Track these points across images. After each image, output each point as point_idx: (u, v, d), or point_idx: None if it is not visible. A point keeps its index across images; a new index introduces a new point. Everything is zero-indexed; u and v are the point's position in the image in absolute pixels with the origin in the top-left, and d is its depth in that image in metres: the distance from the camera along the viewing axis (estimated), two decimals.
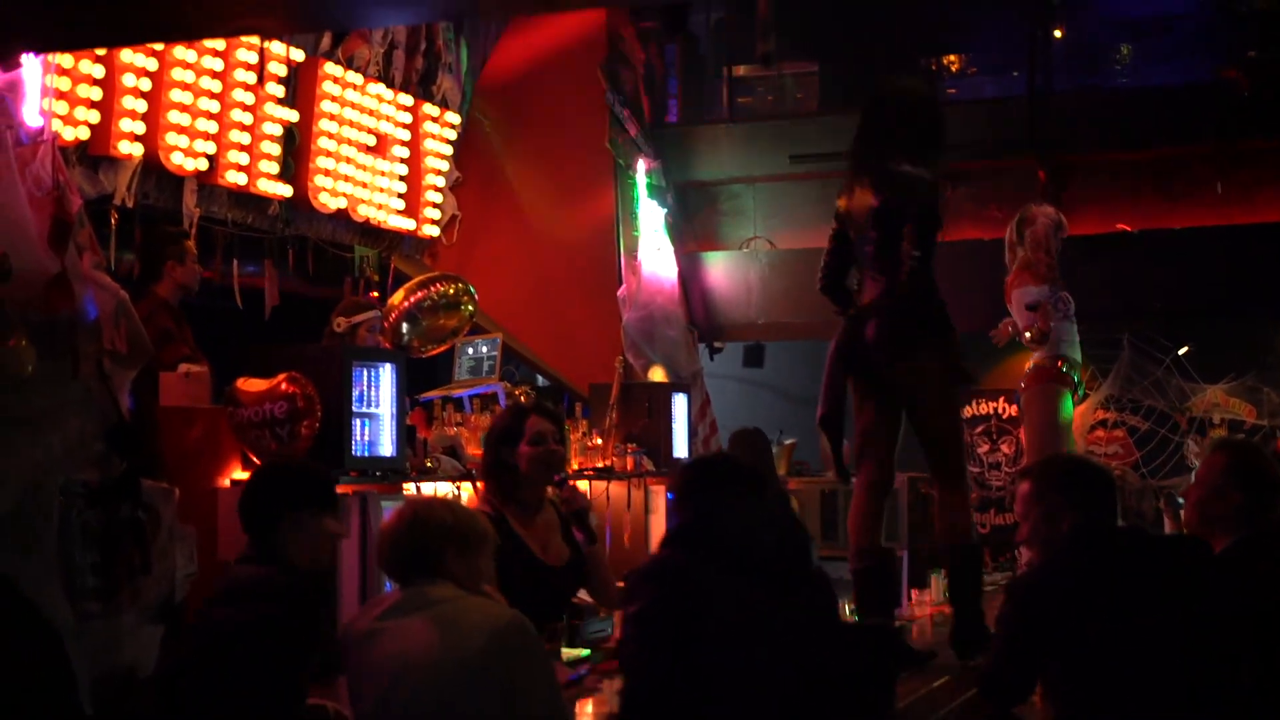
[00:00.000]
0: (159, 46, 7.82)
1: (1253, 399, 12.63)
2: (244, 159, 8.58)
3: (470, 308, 8.95)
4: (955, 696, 5.97)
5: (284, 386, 6.66)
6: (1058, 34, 14.80)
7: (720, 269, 13.36)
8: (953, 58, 16.52)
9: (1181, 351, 12.71)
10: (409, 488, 7.37)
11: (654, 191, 12.25)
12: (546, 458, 5.93)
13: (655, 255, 12.13)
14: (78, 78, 7.39)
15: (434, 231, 10.61)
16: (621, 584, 4.94)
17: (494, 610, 4.27)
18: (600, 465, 9.14)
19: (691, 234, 13.32)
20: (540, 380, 11.58)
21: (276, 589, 4.54)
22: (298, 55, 9.00)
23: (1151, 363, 12.65)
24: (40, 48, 5.86)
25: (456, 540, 4.39)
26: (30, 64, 5.93)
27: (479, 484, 7.62)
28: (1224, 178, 12.15)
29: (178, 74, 8.04)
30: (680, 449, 10.08)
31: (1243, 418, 12.62)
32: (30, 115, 5.93)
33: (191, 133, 8.16)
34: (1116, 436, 12.57)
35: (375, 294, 9.91)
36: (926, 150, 6.88)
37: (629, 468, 9.42)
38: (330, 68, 9.26)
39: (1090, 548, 4.54)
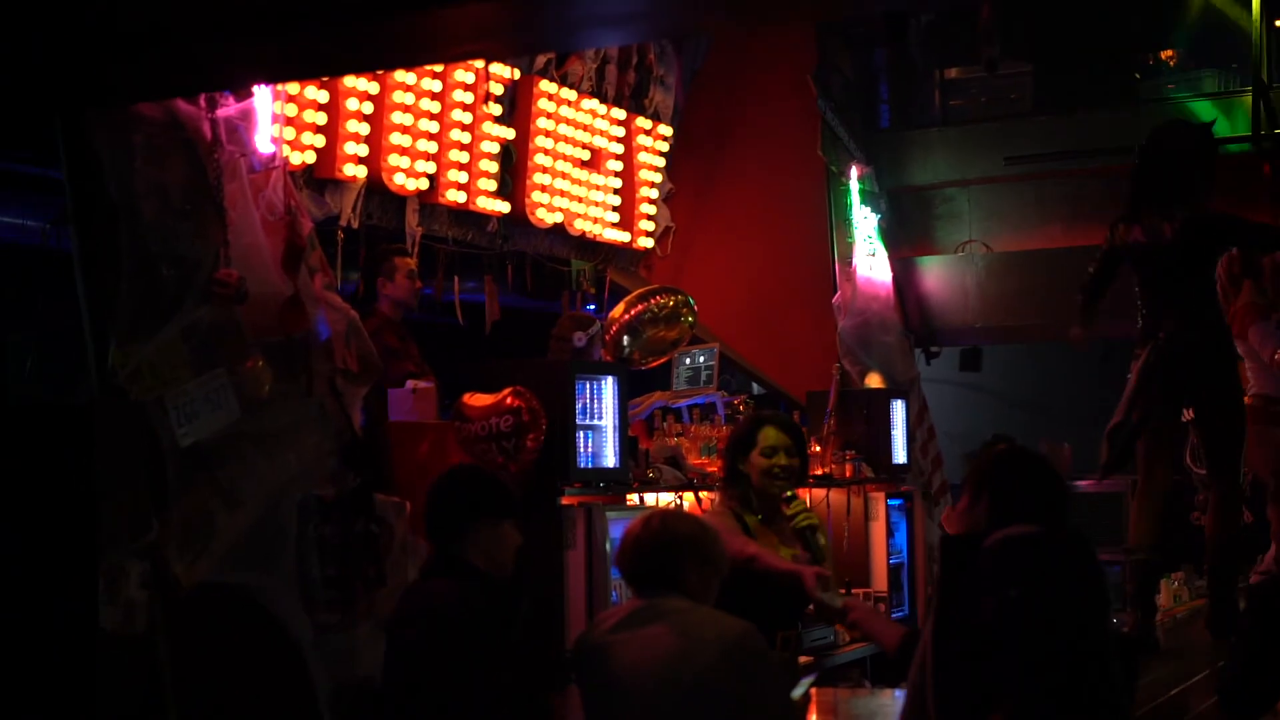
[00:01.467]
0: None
1: None
2: (463, 177, 8.73)
3: (690, 319, 9.01)
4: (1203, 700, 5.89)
5: (509, 401, 6.79)
6: (1279, 23, 14.39)
7: (935, 273, 13.23)
8: (1169, 53, 16.15)
9: None
10: (633, 498, 7.45)
11: (866, 197, 12.18)
12: (775, 470, 5.89)
13: (869, 261, 12.07)
14: (303, 104, 7.58)
15: (649, 243, 10.69)
16: None
17: (727, 621, 4.29)
18: (819, 473, 9.15)
19: (905, 239, 13.19)
20: (756, 389, 11.59)
21: (469, 603, 4.63)
22: (514, 74, 9.12)
23: None
24: (271, 78, 6.05)
25: (697, 554, 4.42)
26: (260, 93, 6.13)
27: (702, 492, 7.68)
28: None
29: (399, 96, 8.21)
30: (899, 455, 10.05)
31: None
32: (262, 142, 6.13)
33: (413, 153, 8.33)
34: None
35: (592, 306, 10.04)
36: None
37: (848, 474, 9.42)
38: (545, 85, 9.38)
39: None
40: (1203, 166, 7.37)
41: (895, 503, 10.02)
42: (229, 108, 5.95)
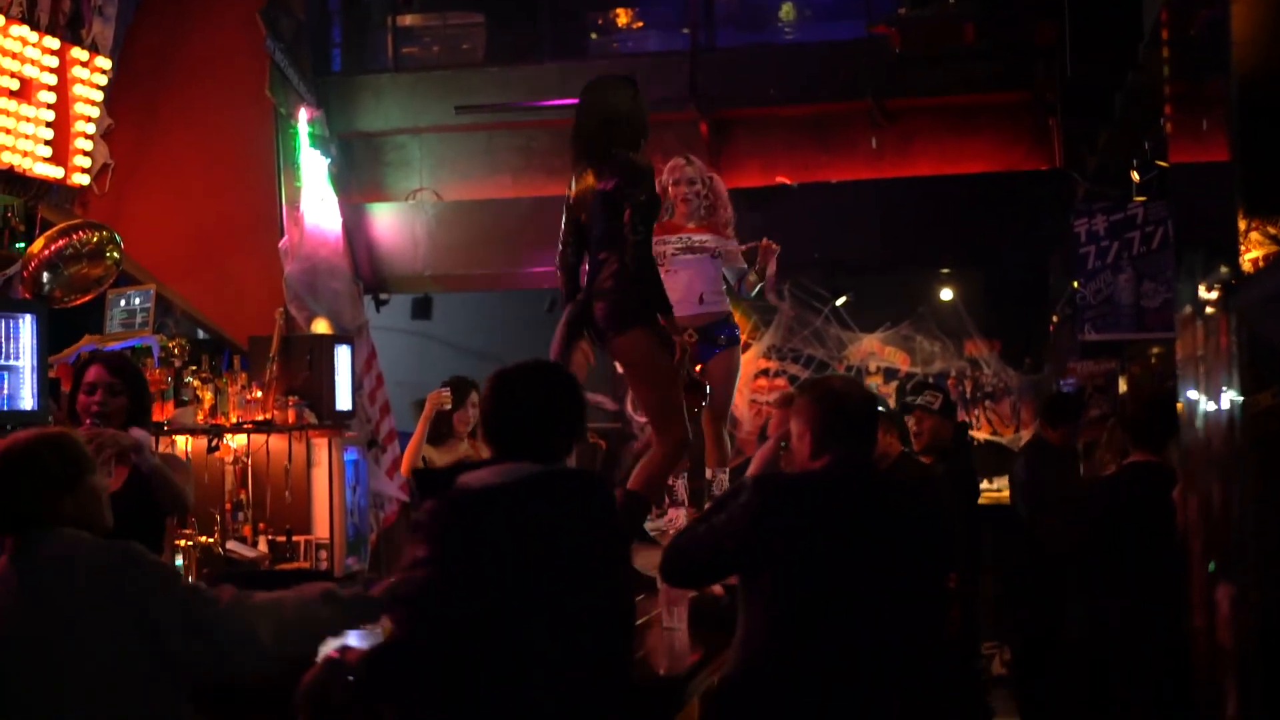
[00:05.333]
0: None
1: (906, 347, 13.09)
2: None
3: (115, 255, 8.69)
4: None
5: None
6: None
7: (386, 221, 13.21)
8: (620, 11, 16.56)
9: (839, 301, 13.08)
10: None
11: (316, 141, 12.01)
12: (92, 408, 5.65)
13: (319, 206, 11.91)
14: None
15: (84, 180, 10.18)
16: None
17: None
18: (260, 418, 8.99)
19: (356, 185, 13.12)
20: (200, 334, 11.30)
21: None
22: None
23: (811, 313, 12.99)
24: None
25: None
26: None
27: None
28: (878, 133, 12.46)
29: None
30: (343, 402, 9.97)
31: (897, 365, 13.07)
32: None
33: None
34: (779, 385, 12.85)
35: (21, 245, 9.55)
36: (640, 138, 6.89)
37: (290, 421, 9.29)
38: None
39: None
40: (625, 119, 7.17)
41: (352, 457, 10.00)
42: None
